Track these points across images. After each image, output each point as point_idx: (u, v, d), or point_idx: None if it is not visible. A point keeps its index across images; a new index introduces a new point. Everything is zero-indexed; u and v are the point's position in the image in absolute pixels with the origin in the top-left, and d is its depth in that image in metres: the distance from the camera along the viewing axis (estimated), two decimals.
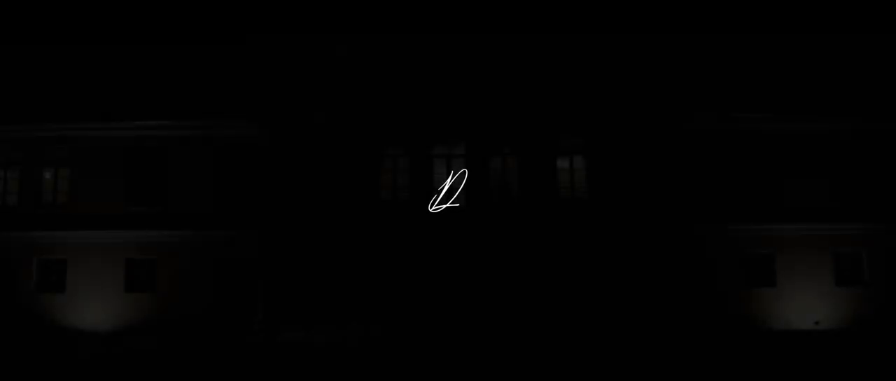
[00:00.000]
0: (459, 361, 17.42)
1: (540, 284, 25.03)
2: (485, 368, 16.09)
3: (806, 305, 25.86)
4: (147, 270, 25.96)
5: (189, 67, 28.53)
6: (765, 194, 26.48)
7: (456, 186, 25.74)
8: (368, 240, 25.28)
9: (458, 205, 25.53)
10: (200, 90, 27.27)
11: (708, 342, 21.88)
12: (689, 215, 26.01)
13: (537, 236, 25.17)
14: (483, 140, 25.79)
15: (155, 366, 16.65)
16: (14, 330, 24.69)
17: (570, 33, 26.07)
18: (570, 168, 26.01)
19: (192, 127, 26.22)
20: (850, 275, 26.39)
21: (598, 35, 26.09)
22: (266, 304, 24.99)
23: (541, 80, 25.85)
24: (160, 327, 24.87)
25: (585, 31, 26.14)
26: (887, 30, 31.72)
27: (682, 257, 25.85)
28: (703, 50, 29.63)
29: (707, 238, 25.97)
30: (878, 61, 29.58)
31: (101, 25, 31.88)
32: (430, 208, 25.48)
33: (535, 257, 25.15)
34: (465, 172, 25.55)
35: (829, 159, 26.78)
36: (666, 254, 25.78)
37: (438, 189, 25.67)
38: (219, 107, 26.48)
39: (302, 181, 25.55)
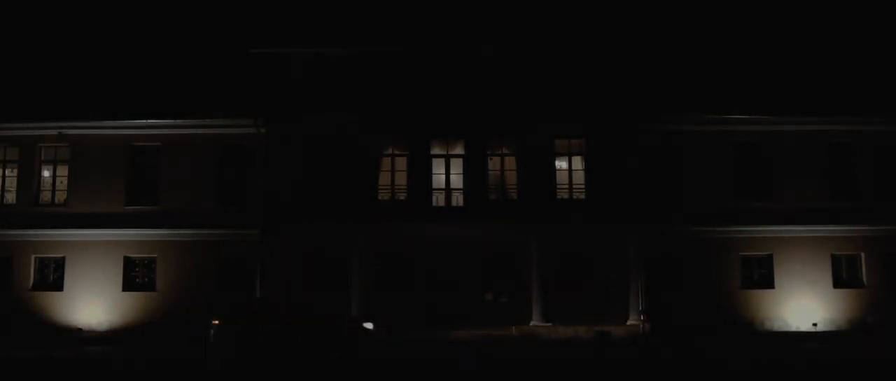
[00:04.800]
0: (458, 361, 17.40)
1: (537, 282, 25.04)
2: (482, 367, 16.07)
3: (804, 306, 25.92)
4: (146, 268, 25.97)
5: (189, 65, 28.52)
6: (763, 195, 26.53)
7: (455, 185, 25.75)
8: (367, 240, 25.27)
9: (456, 205, 25.55)
10: (199, 89, 27.25)
11: (707, 341, 21.90)
12: (689, 215, 26.04)
13: (535, 235, 25.17)
14: (482, 140, 25.79)
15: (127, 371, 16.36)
16: (12, 328, 24.63)
17: (568, 35, 26.09)
18: (568, 168, 26.04)
19: (191, 126, 26.18)
20: (849, 277, 26.47)
21: (596, 37, 26.11)
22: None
23: (539, 81, 25.87)
24: (159, 325, 24.84)
25: (584, 32, 26.17)
26: (885, 29, 31.81)
27: (681, 256, 25.89)
28: (701, 52, 29.71)
29: (706, 239, 25.99)
30: (877, 61, 29.66)
31: (101, 24, 31.86)
32: (429, 207, 25.48)
33: (533, 256, 25.15)
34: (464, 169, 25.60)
35: (828, 161, 26.85)
36: (665, 254, 25.82)
37: (437, 189, 25.69)
38: (217, 106, 26.46)
39: (301, 181, 25.54)
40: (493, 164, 25.96)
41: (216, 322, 19.05)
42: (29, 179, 26.43)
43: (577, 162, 26.12)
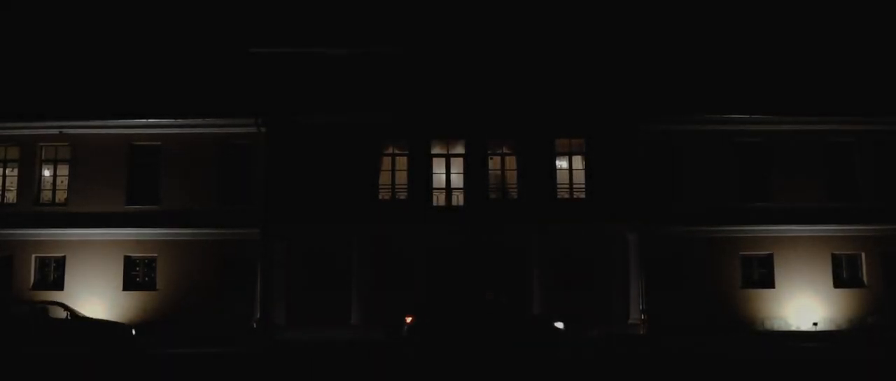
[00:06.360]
0: (457, 362, 17.36)
1: (538, 281, 25.04)
2: (481, 369, 15.99)
3: (804, 306, 25.93)
4: (146, 268, 25.99)
5: (189, 65, 28.52)
6: (763, 195, 26.55)
7: (455, 184, 25.77)
8: (367, 239, 25.28)
9: (457, 204, 25.57)
10: (199, 89, 27.25)
11: (707, 341, 21.89)
12: (689, 215, 26.05)
13: (536, 234, 25.18)
14: (482, 139, 25.81)
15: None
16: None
17: (569, 35, 26.10)
18: (568, 168, 26.06)
19: (191, 125, 26.20)
20: (849, 277, 26.48)
21: (597, 36, 26.12)
22: (265, 303, 24.95)
23: (539, 80, 25.88)
24: (159, 324, 24.84)
25: (585, 31, 26.18)
26: (885, 29, 31.83)
27: (681, 256, 25.90)
28: (701, 52, 29.71)
29: (706, 239, 26.00)
30: (876, 61, 29.67)
31: (101, 24, 31.86)
32: (429, 207, 25.49)
33: (534, 255, 25.16)
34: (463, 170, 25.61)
35: (828, 161, 26.87)
36: (665, 254, 25.83)
37: (437, 188, 25.70)
38: (218, 106, 26.47)
39: (302, 181, 25.55)
40: (494, 163, 25.98)
41: (409, 319, 19.23)
42: (29, 179, 26.43)
43: (578, 162, 26.14)
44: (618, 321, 24.92)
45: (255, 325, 24.80)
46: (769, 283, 26.17)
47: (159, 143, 26.41)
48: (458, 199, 25.72)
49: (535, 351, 18.93)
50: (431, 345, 19.16)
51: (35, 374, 15.16)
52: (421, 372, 15.20)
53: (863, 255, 26.42)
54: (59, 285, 25.73)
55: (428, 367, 16.06)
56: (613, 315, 25.08)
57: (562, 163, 26.14)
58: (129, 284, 25.78)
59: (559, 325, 20.36)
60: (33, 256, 25.97)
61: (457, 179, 25.84)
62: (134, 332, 21.39)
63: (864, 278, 26.38)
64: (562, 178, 25.99)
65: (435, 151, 25.99)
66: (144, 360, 18.11)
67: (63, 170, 26.61)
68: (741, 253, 26.22)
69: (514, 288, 25.53)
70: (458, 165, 25.93)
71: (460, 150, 25.96)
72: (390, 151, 26.02)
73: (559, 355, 18.48)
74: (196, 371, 15.70)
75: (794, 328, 25.69)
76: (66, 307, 21.02)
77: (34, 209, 26.22)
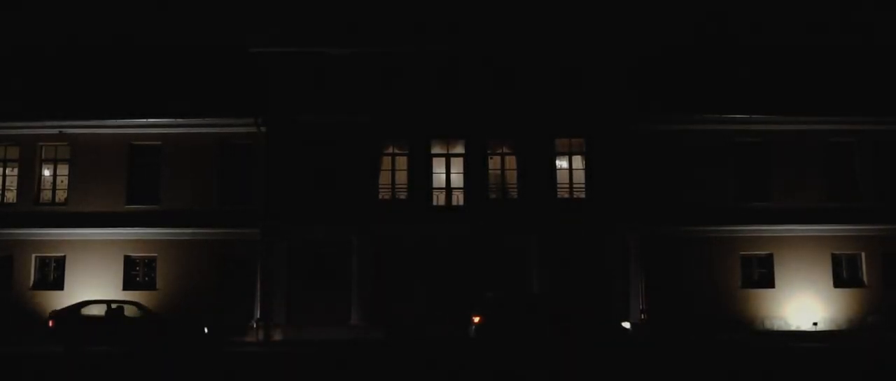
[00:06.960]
0: (456, 362, 17.35)
1: (538, 281, 25.04)
2: (482, 370, 15.98)
3: (804, 306, 25.94)
4: (146, 267, 26.00)
5: (189, 65, 28.52)
6: (763, 195, 26.56)
7: (455, 184, 25.77)
8: (367, 239, 25.27)
9: (456, 204, 25.57)
10: (199, 89, 27.26)
11: (707, 341, 21.89)
12: (689, 215, 26.06)
13: (536, 234, 25.18)
14: (482, 139, 25.81)
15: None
16: (12, 327, 24.61)
17: (569, 35, 26.09)
18: (568, 168, 26.06)
19: (191, 125, 26.21)
20: (849, 276, 26.50)
21: (597, 36, 26.11)
22: (265, 303, 24.94)
23: (539, 80, 25.88)
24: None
25: (585, 31, 26.17)
26: (885, 29, 31.81)
27: (681, 256, 25.90)
28: (701, 52, 29.71)
29: (706, 239, 26.00)
30: (877, 62, 29.66)
31: (101, 24, 31.85)
32: (429, 207, 25.49)
33: (534, 255, 25.16)
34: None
35: (828, 161, 26.89)
36: (665, 254, 25.83)
37: (437, 188, 25.70)
38: (218, 105, 26.48)
39: (302, 181, 25.56)
40: (494, 163, 25.98)
41: (477, 319, 19.03)
42: (29, 179, 26.46)
43: (578, 161, 26.14)
44: (618, 320, 24.85)
45: (254, 324, 24.79)
46: (769, 283, 26.19)
47: (159, 143, 26.43)
48: (458, 199, 25.73)
49: (611, 351, 18.72)
50: (502, 344, 18.92)
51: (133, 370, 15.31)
52: (501, 372, 14.94)
53: (863, 255, 26.44)
54: (58, 284, 25.75)
55: (505, 366, 15.78)
56: (613, 315, 25.03)
57: (562, 163, 26.14)
58: (129, 283, 25.79)
59: (626, 325, 20.31)
60: (33, 255, 25.99)
61: (457, 179, 25.84)
62: (206, 330, 22.02)
63: (864, 278, 26.39)
64: (562, 178, 25.98)
65: (435, 150, 25.99)
66: (222, 356, 18.24)
67: (63, 170, 26.64)
68: (741, 253, 26.23)
69: (514, 288, 25.51)
70: (458, 165, 25.93)
71: (460, 150, 25.97)
72: (390, 151, 26.03)
73: (633, 354, 18.17)
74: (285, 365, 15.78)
75: (793, 328, 25.69)
76: (140, 306, 21.93)
77: (34, 209, 26.24)
